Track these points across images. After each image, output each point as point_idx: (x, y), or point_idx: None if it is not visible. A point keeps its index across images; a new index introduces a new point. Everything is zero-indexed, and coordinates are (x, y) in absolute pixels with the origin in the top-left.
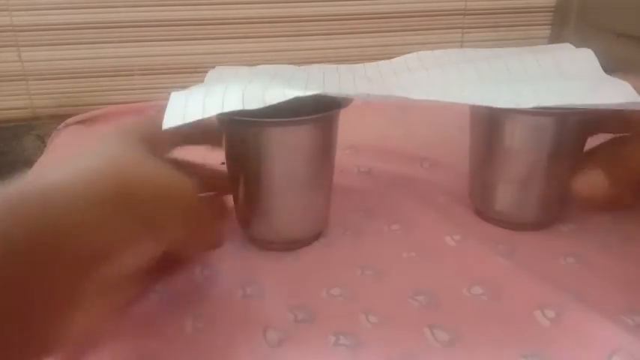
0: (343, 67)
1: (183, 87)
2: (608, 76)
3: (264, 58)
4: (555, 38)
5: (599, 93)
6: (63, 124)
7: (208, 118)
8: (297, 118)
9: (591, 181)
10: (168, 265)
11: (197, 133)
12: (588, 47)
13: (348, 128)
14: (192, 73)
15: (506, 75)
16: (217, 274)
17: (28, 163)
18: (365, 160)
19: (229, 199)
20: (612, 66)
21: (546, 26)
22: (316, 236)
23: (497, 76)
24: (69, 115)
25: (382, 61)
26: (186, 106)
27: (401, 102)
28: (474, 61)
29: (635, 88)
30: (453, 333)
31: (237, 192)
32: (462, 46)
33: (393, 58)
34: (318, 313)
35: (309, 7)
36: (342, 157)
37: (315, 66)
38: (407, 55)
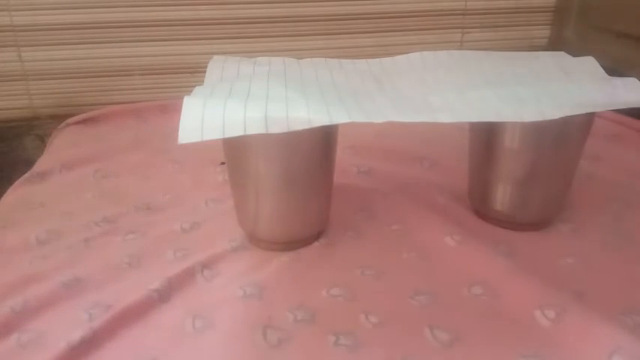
0: (347, 64)
1: (183, 87)
2: (613, 78)
3: None
4: (555, 38)
5: (616, 95)
6: (63, 124)
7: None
8: None
9: None
10: None
11: None
12: (588, 47)
13: (348, 128)
14: (192, 73)
15: (515, 79)
16: (217, 274)
17: (28, 163)
18: (365, 160)
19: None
20: (612, 66)
21: (546, 26)
22: (316, 236)
23: (507, 80)
24: (69, 115)
25: (385, 59)
26: (204, 119)
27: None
28: (479, 65)
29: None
30: (453, 333)
31: (237, 192)
32: (461, 46)
33: (392, 57)
34: (318, 313)
35: (309, 7)
36: (342, 157)
37: (317, 61)
38: (410, 55)
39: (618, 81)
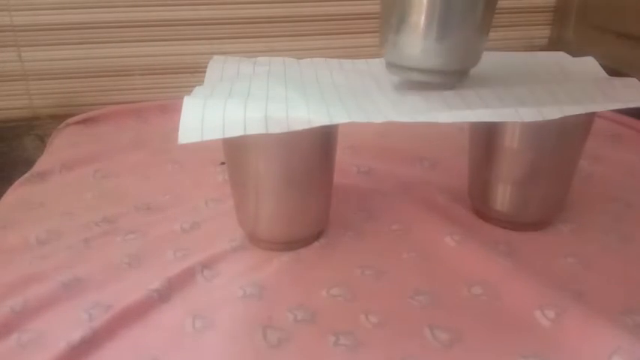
0: (347, 64)
1: (183, 87)
2: (613, 78)
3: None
4: (555, 38)
5: (616, 95)
6: (63, 124)
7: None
8: None
9: None
10: None
11: None
12: (588, 47)
13: (348, 128)
14: (192, 73)
15: (515, 79)
16: (217, 274)
17: (28, 163)
18: (365, 160)
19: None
20: (612, 66)
21: (546, 26)
22: (316, 236)
23: (507, 79)
24: (69, 115)
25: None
26: (204, 119)
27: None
28: (479, 65)
29: None
30: (453, 333)
31: (237, 192)
32: None
33: None
34: (318, 313)
35: (309, 7)
36: (342, 157)
37: (317, 61)
38: None
39: (618, 81)
